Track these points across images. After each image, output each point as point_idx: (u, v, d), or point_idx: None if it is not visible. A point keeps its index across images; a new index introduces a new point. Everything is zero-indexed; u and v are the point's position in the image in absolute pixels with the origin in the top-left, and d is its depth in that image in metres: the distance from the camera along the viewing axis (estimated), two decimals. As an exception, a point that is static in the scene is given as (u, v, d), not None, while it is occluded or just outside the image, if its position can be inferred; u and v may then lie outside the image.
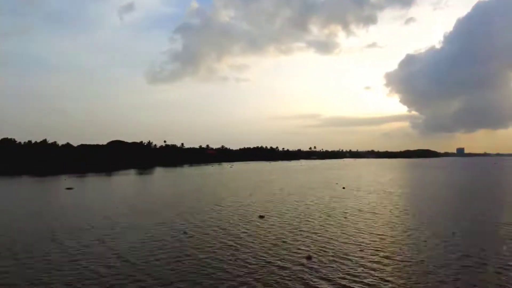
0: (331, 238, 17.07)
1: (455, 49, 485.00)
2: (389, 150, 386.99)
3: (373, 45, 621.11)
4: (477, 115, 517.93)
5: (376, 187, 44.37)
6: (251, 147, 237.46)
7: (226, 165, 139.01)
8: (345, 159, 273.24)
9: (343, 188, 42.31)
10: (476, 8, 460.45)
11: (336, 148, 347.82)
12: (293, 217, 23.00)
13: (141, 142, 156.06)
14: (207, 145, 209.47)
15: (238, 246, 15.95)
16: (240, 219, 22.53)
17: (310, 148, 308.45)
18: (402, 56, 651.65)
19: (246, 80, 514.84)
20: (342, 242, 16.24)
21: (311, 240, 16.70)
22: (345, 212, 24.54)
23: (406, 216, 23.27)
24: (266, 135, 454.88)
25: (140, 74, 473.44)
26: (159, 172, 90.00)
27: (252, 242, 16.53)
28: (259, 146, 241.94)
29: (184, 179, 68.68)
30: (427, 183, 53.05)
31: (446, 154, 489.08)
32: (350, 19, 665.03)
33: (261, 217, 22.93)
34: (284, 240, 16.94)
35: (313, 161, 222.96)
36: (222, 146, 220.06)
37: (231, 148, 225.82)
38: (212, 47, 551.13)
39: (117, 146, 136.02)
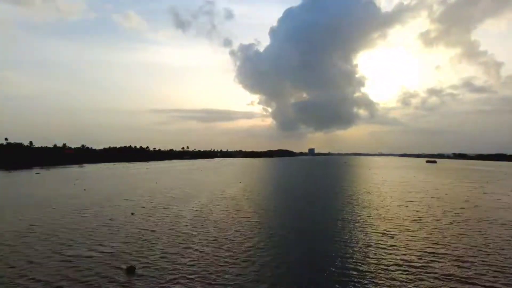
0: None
1: (288, 39, 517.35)
2: (255, 150, 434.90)
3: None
4: (319, 115, 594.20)
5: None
6: (118, 146, 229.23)
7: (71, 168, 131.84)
8: (215, 159, 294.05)
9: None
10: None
11: (208, 148, 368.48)
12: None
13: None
14: (64, 144, 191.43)
15: None
16: None
17: (183, 148, 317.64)
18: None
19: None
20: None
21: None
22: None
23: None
24: (138, 134, 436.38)
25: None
26: None
27: None
28: (127, 145, 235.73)
29: None
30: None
31: (301, 154, 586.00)
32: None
33: None
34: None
35: (184, 161, 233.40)
36: (83, 145, 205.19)
37: (93, 148, 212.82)
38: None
39: None
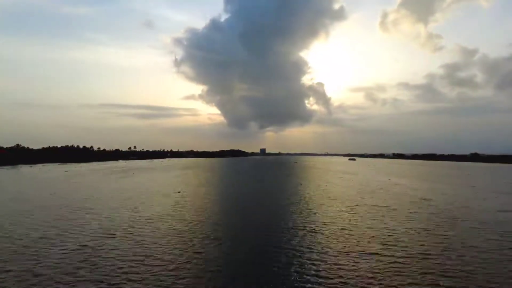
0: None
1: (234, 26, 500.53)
2: (207, 149, 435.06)
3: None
4: (270, 112, 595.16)
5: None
6: (59, 146, 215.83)
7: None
8: (164, 159, 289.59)
9: None
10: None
11: (157, 148, 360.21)
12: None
13: None
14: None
15: None
16: None
17: (130, 148, 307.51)
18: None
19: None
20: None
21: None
22: None
23: None
24: (80, 133, 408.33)
25: None
26: None
27: None
28: (70, 145, 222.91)
29: None
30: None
31: (253, 154, 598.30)
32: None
33: None
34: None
35: (129, 161, 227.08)
36: (18, 145, 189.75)
37: (30, 147, 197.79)
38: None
39: None
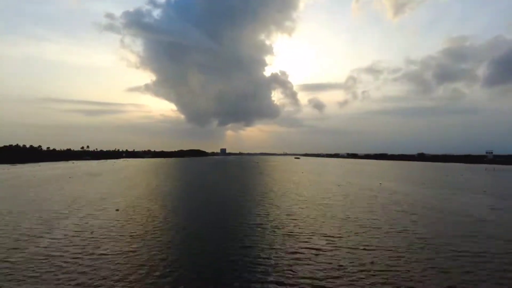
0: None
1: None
2: (165, 150, 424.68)
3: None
4: (229, 107, 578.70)
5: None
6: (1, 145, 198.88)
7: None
8: (119, 160, 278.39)
9: None
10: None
11: (112, 147, 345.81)
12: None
13: None
14: None
15: None
16: None
17: (82, 147, 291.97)
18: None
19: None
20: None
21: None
22: None
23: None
24: (29, 132, 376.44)
25: None
26: None
27: None
28: (14, 144, 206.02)
29: None
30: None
31: (213, 154, 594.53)
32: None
33: None
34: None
35: (78, 162, 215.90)
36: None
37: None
38: None
39: None
